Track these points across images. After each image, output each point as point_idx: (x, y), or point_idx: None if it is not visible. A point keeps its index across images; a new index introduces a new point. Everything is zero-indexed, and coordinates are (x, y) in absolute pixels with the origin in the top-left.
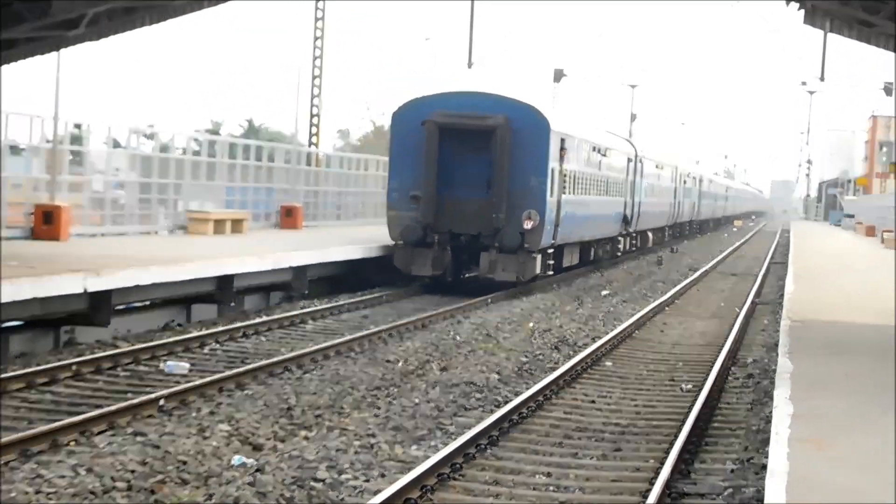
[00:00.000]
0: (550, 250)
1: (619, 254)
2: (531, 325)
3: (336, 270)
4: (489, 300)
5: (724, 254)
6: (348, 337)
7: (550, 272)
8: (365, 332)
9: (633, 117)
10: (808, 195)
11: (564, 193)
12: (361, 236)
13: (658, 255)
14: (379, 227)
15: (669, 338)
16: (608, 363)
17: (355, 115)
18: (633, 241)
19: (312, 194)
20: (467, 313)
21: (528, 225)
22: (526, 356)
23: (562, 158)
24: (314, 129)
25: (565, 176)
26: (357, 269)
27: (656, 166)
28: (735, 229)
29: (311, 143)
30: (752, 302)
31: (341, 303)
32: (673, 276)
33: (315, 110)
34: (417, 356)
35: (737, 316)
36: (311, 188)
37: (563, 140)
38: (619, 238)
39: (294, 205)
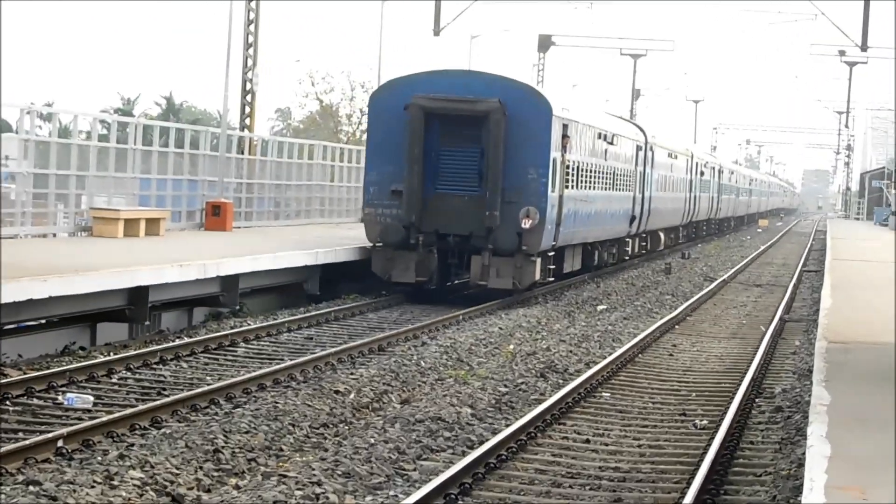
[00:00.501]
0: (551, 253)
1: (626, 257)
2: (512, 347)
3: (276, 280)
4: (461, 316)
5: (747, 260)
6: (289, 363)
7: (551, 279)
8: (309, 357)
9: (637, 94)
10: (847, 188)
11: (567, 188)
12: (308, 238)
13: (666, 262)
14: (330, 229)
15: (680, 363)
16: (605, 394)
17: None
18: (643, 244)
19: (245, 188)
20: (433, 333)
21: (526, 224)
22: (505, 385)
23: (564, 147)
24: (247, 109)
25: (568, 167)
26: (305, 278)
27: (669, 155)
28: (760, 230)
29: (243, 126)
30: (781, 319)
31: (281, 321)
32: (684, 288)
33: (249, 86)
34: (373, 386)
35: (762, 336)
36: (243, 181)
37: (565, 126)
38: (627, 240)
39: (222, 201)
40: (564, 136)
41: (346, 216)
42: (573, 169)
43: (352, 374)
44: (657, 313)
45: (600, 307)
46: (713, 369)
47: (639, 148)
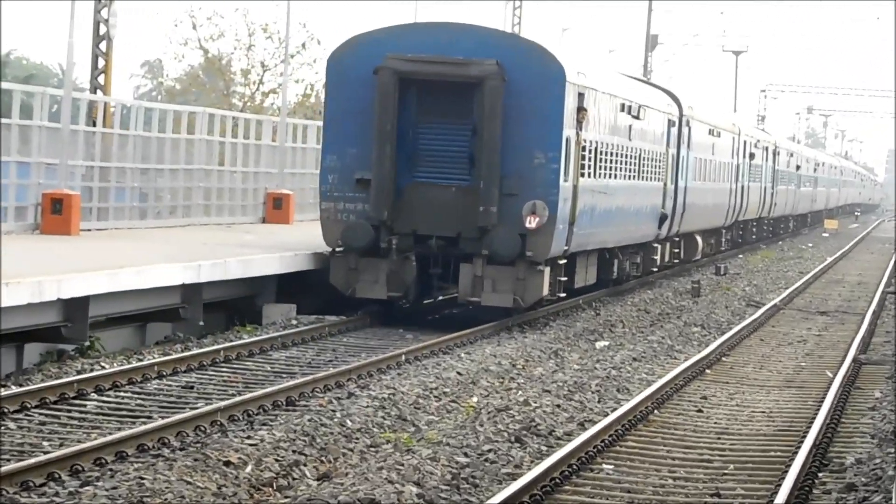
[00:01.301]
0: (563, 261)
1: (654, 268)
2: (475, 400)
3: (142, 306)
4: (403, 357)
5: (807, 277)
6: (160, 422)
7: (562, 294)
8: (189, 414)
9: (653, 42)
10: None
11: (583, 177)
12: (190, 246)
13: (693, 281)
14: (219, 232)
15: (712, 422)
16: (606, 466)
17: (173, 38)
18: (675, 250)
19: (98, 175)
20: (365, 380)
21: (531, 223)
22: (466, 454)
23: (580, 123)
24: (101, 62)
25: (584, 150)
26: (184, 302)
27: (710, 132)
28: (827, 234)
29: (95, 87)
30: (855, 360)
31: (148, 362)
32: (718, 316)
33: (103, 29)
34: (279, 455)
35: (828, 384)
36: (95, 164)
37: (580, 96)
38: (655, 245)
39: (66, 193)
40: (580, 109)
41: (241, 214)
42: (590, 151)
43: (248, 438)
44: (680, 352)
45: (600, 343)
46: (759, 432)
47: (671, 123)
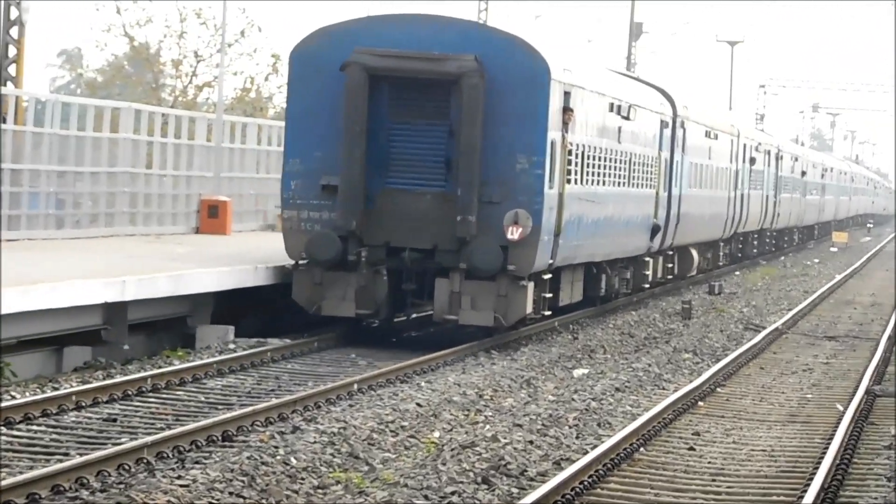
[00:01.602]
0: (547, 276)
1: (646, 285)
2: (436, 435)
3: (58, 327)
4: (355, 386)
5: (814, 297)
6: (78, 460)
7: (547, 311)
8: (111, 451)
9: (637, 31)
10: None
11: (569, 183)
12: (113, 259)
13: (684, 301)
14: (146, 244)
15: (706, 462)
16: None
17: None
18: (668, 265)
19: (9, 178)
20: (312, 412)
21: (514, 234)
22: (426, 497)
23: (566, 125)
24: (12, 51)
25: (570, 154)
26: (105, 323)
27: (707, 134)
28: (835, 248)
29: (4, 79)
30: (868, 392)
31: (66, 391)
32: (712, 341)
33: (14, 14)
34: (213, 497)
35: (837, 419)
36: (5, 166)
37: (567, 95)
38: (647, 259)
39: None
40: (566, 110)
41: (171, 224)
42: (577, 156)
43: (179, 478)
44: (669, 382)
45: (579, 371)
46: (759, 473)
47: (664, 124)
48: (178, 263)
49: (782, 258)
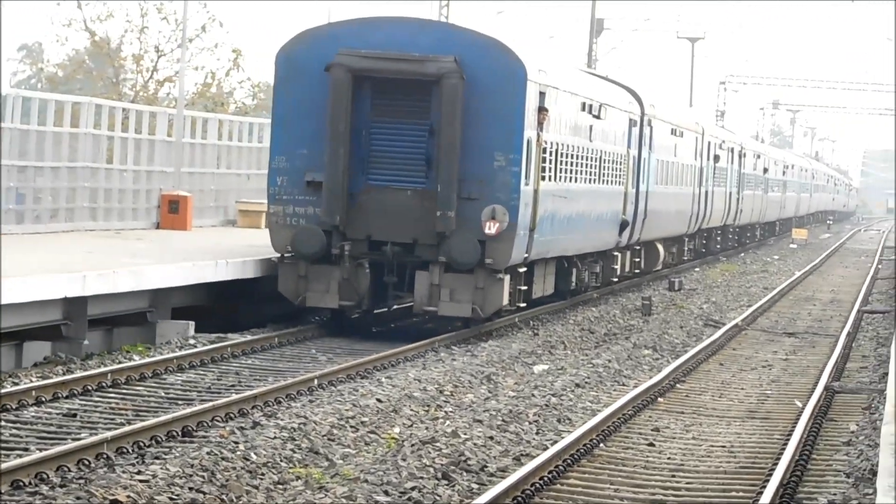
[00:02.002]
0: (523, 269)
1: (614, 279)
2: (397, 430)
3: (17, 322)
4: (315, 381)
5: (773, 293)
6: (38, 455)
7: (522, 304)
8: (71, 446)
9: (598, 27)
10: None
11: (543, 180)
12: (75, 255)
13: (644, 298)
14: (107, 239)
15: (665, 458)
16: None
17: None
18: (636, 259)
19: None
20: (272, 408)
21: (491, 229)
22: (387, 493)
23: (541, 124)
24: None
25: (545, 151)
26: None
27: (672, 132)
28: (795, 245)
29: None
30: (827, 388)
31: (24, 387)
32: (672, 337)
33: None
34: (174, 492)
35: (797, 416)
36: None
37: (542, 95)
38: (615, 254)
39: None
40: (542, 109)
41: (132, 219)
42: (551, 154)
43: (139, 473)
44: (629, 378)
45: (539, 367)
46: (718, 469)
47: (633, 122)
48: (138, 259)
49: (742, 255)
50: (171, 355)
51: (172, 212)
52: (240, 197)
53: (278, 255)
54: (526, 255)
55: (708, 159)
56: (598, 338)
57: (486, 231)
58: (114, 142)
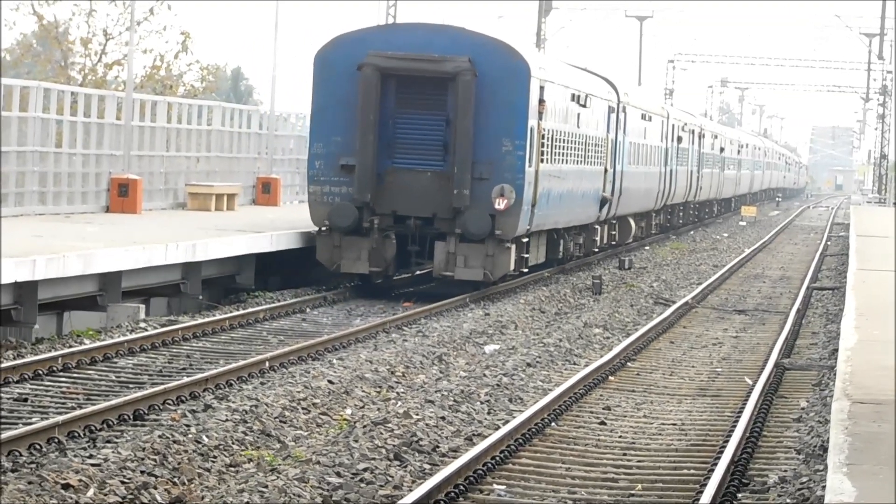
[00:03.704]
0: (525, 240)
1: (595, 249)
2: (349, 412)
3: None
4: (267, 363)
5: (723, 271)
6: None
7: (525, 269)
8: (22, 431)
9: (546, 7)
10: (882, 155)
11: (542, 162)
12: (26, 239)
13: (594, 277)
14: (56, 224)
15: (617, 436)
16: (498, 487)
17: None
18: (612, 232)
19: None
20: (224, 390)
21: (500, 204)
22: (339, 474)
23: (540, 114)
24: None
25: (543, 137)
26: (15, 301)
27: (643, 116)
28: (744, 223)
29: None
30: (777, 365)
31: None
32: (623, 315)
33: None
34: (125, 476)
35: (747, 393)
36: None
37: (542, 89)
38: (596, 227)
39: None
40: (541, 101)
41: (81, 203)
42: (548, 139)
43: (91, 457)
44: (580, 357)
45: (490, 347)
46: (670, 446)
47: (611, 109)
48: (88, 243)
49: (692, 232)
50: (122, 339)
51: (122, 195)
52: (189, 180)
53: (317, 228)
54: (528, 227)
55: (672, 141)
56: (549, 317)
57: (496, 206)
58: (63, 125)
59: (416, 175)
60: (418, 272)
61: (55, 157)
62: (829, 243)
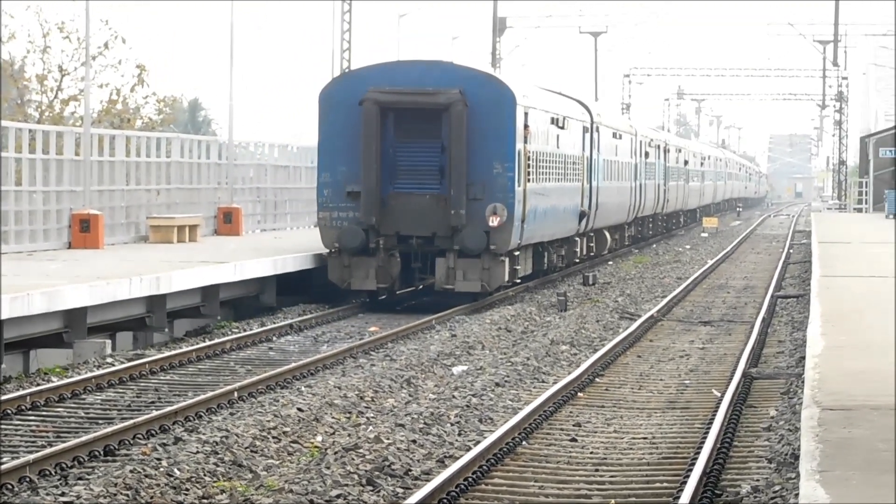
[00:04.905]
0: (517, 253)
1: (576, 260)
2: (319, 439)
3: None
4: (235, 394)
5: (687, 283)
6: None
7: (518, 280)
8: None
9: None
10: (840, 161)
11: (529, 182)
12: None
13: (559, 294)
14: (18, 262)
15: (588, 452)
16: None
17: None
18: (590, 244)
19: None
20: (193, 422)
21: (493, 222)
22: (312, 501)
23: (526, 138)
24: None
25: (528, 159)
26: None
27: (614, 134)
28: (705, 234)
29: None
30: (745, 375)
31: None
32: (589, 331)
33: None
34: None
35: (717, 404)
36: None
37: (526, 115)
38: (576, 239)
39: None
40: (526, 126)
41: (43, 240)
42: (532, 160)
43: (62, 495)
44: (548, 375)
45: (458, 368)
46: (641, 460)
47: (585, 129)
48: (51, 280)
49: (654, 245)
50: (90, 374)
51: (84, 231)
52: (150, 212)
53: (327, 250)
54: (519, 242)
55: (641, 156)
56: (516, 336)
57: (490, 224)
58: (21, 163)
59: (417, 198)
60: (421, 287)
61: (15, 196)
62: (791, 251)
